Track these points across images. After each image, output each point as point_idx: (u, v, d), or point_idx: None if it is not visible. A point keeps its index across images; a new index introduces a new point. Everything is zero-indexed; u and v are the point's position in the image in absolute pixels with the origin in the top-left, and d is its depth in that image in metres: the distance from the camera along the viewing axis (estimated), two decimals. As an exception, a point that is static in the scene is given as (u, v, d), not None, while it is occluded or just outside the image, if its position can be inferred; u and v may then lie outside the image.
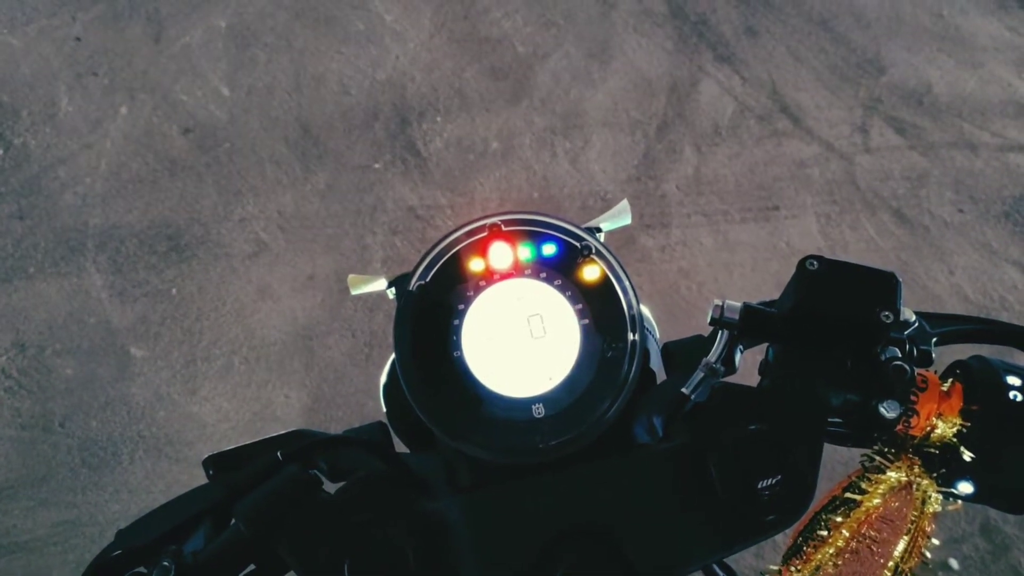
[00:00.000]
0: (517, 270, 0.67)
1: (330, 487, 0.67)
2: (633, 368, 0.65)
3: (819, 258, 0.66)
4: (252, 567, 0.67)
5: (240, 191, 2.39)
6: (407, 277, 0.68)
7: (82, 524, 1.88)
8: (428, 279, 0.67)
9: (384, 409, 0.82)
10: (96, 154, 2.41)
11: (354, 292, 0.82)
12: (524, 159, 2.54)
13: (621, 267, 0.67)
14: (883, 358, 0.65)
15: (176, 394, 2.06)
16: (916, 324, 0.69)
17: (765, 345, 0.74)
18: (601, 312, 0.66)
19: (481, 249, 0.67)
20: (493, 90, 2.67)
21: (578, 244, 0.67)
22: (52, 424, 2.02)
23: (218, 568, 0.62)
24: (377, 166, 2.48)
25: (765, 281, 2.37)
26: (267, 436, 0.74)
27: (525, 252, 0.67)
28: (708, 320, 0.69)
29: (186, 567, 0.61)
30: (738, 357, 0.72)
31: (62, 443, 2.00)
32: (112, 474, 1.93)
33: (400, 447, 0.82)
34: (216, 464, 0.73)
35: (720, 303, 0.69)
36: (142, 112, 2.48)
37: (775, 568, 0.70)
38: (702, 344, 0.80)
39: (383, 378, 0.82)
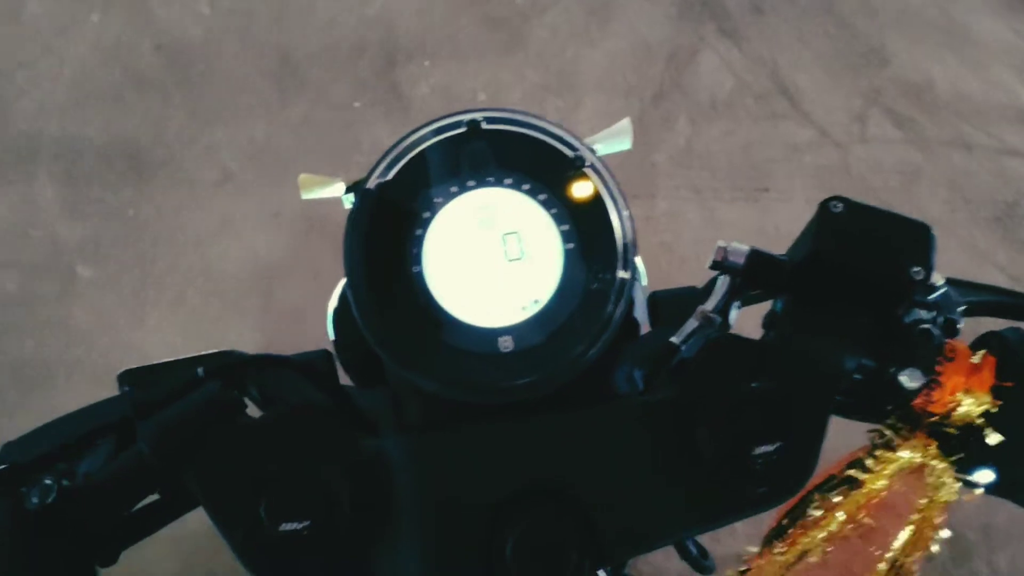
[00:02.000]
0: (496, 178, 0.57)
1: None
2: (619, 307, 0.56)
3: (844, 200, 0.58)
4: (156, 497, 0.58)
5: (210, 116, 2.28)
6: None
7: (7, 447, 1.75)
8: (390, 177, 0.57)
9: (331, 337, 0.74)
10: (59, 61, 2.29)
11: (305, 195, 0.72)
12: (512, 114, 2.43)
13: (618, 187, 0.58)
14: (906, 320, 0.57)
15: (121, 321, 1.97)
16: (944, 289, 0.60)
17: (761, 304, 0.66)
18: (590, 237, 0.57)
19: (456, 148, 0.58)
20: (486, 40, 2.56)
21: (570, 154, 0.58)
22: (-16, 340, 1.92)
23: (112, 493, 0.53)
24: (357, 105, 2.37)
25: (749, 263, 2.29)
26: (193, 355, 0.65)
27: (507, 157, 0.57)
28: (709, 264, 0.61)
29: (72, 489, 0.52)
30: (733, 313, 0.64)
31: (-7, 361, 1.90)
32: (44, 398, 1.83)
33: (347, 382, 0.73)
34: (133, 380, 0.63)
35: (724, 244, 0.60)
36: (114, 22, 2.35)
37: (754, 550, 0.63)
38: (694, 297, 0.71)
39: (333, 302, 0.74)
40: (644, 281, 0.78)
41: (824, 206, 0.58)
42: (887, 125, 2.69)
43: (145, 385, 0.64)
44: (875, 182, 2.55)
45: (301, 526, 0.49)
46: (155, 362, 0.65)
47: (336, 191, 0.71)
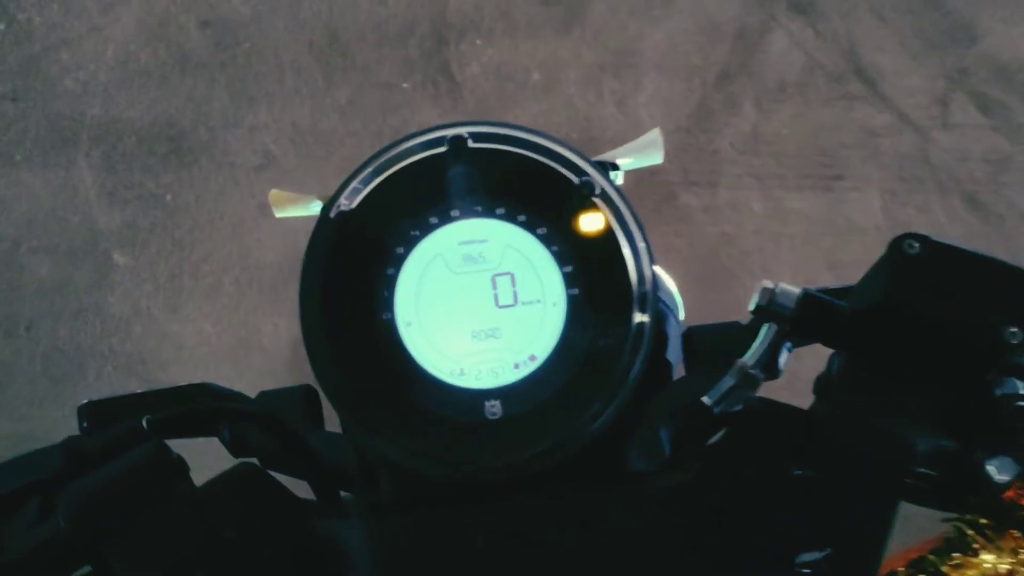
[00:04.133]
0: (485, 207, 0.47)
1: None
2: (636, 362, 0.46)
3: (922, 238, 0.46)
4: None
5: (254, 97, 2.21)
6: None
7: (34, 439, 1.68)
8: (355, 204, 0.48)
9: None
10: (104, 39, 2.24)
11: (278, 214, 0.63)
12: (567, 95, 2.33)
13: (636, 220, 0.48)
14: (997, 393, 0.45)
15: (156, 309, 1.92)
16: None
17: (814, 350, 0.54)
18: (599, 280, 0.47)
19: (437, 171, 0.47)
20: (542, 16, 2.45)
21: (576, 179, 0.47)
22: (17, 327, 1.89)
23: (32, 572, 0.45)
24: (406, 86, 2.29)
25: (815, 258, 2.18)
26: (164, 387, 0.58)
27: (499, 182, 0.47)
28: (751, 307, 0.49)
29: None
30: (783, 359, 0.52)
31: (25, 349, 1.87)
32: (75, 389, 1.80)
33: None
34: (94, 415, 0.56)
35: (771, 286, 0.49)
36: (159, -1, 2.30)
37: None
38: (738, 335, 0.60)
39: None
40: (681, 314, 0.67)
41: (897, 246, 0.46)
42: (972, 109, 2.50)
43: (107, 422, 0.57)
44: (958, 171, 2.38)
45: None
46: (122, 394, 0.58)
47: (311, 210, 0.61)
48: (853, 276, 0.51)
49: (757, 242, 2.22)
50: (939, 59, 2.59)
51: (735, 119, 2.39)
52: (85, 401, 0.59)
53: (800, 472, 0.42)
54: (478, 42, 2.39)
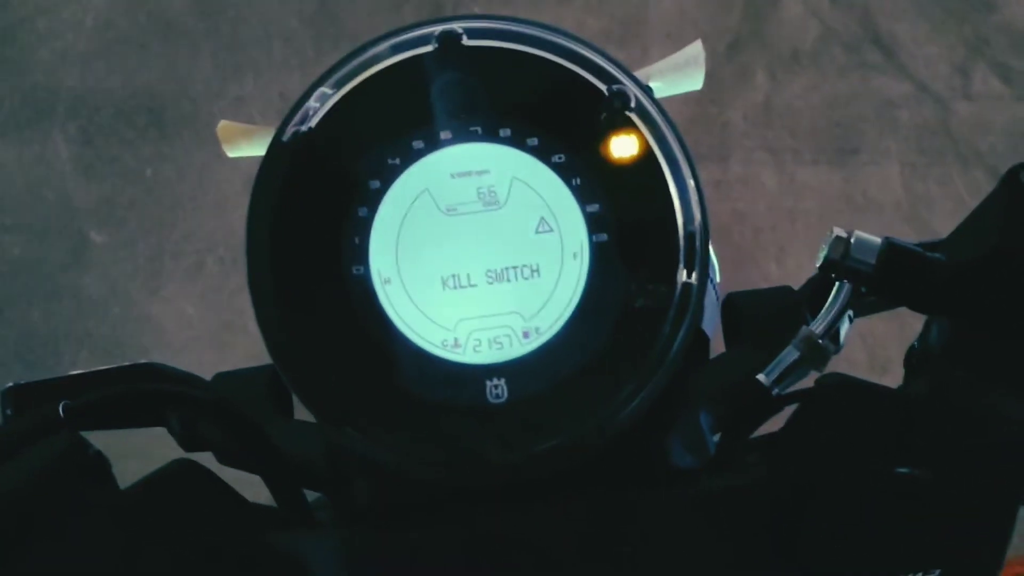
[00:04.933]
0: (485, 127, 0.37)
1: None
2: (681, 332, 0.36)
3: None
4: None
5: (240, 67, 2.15)
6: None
7: (6, 428, 1.69)
8: (316, 124, 0.37)
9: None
10: (82, 7, 2.17)
11: (231, 152, 0.53)
12: (570, 65, 2.25)
13: (682, 147, 0.38)
14: None
15: (135, 291, 1.87)
16: None
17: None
18: (634, 223, 0.37)
19: (422, 80, 0.37)
20: (544, -18, 2.38)
21: (604, 88, 0.37)
22: (-13, 310, 1.85)
23: None
24: (400, 55, 2.20)
25: (832, 234, 2.10)
26: (104, 368, 0.52)
27: (503, 93, 0.37)
28: (820, 261, 0.40)
29: None
30: (844, 329, 0.43)
31: (-3, 332, 1.84)
32: (49, 374, 1.71)
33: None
34: (19, 400, 0.50)
35: (844, 234, 0.40)
36: (142, -36, 2.24)
37: None
38: (790, 302, 0.50)
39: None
40: (717, 276, 0.57)
41: (1014, 178, 0.36)
42: (994, 80, 2.44)
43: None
44: (980, 144, 2.32)
45: None
46: (54, 376, 0.53)
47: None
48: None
49: (770, 219, 2.16)
50: (958, 28, 2.53)
51: (747, 90, 2.33)
52: (10, 384, 0.51)
53: (905, 469, 0.32)
54: (475, 9, 2.30)
